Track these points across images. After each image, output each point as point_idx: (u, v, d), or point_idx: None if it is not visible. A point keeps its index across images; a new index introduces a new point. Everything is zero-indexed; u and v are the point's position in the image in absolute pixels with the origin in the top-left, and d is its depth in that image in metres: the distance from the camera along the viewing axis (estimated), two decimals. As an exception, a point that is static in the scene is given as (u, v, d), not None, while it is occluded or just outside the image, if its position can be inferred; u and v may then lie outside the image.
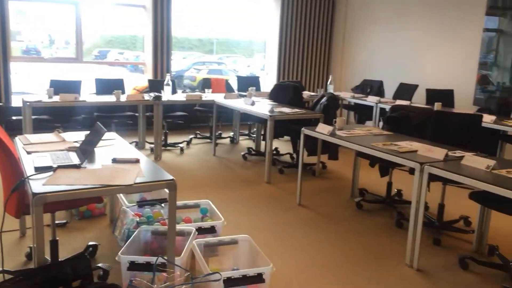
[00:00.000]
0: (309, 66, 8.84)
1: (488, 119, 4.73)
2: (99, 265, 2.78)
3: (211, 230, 3.14)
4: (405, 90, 6.69)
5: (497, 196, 2.49)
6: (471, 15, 6.47)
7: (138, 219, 3.14)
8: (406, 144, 3.48)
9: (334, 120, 4.07)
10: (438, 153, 3.14)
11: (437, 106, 5.53)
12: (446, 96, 6.27)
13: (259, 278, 2.50)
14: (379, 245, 3.40)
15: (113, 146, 3.03)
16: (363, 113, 6.88)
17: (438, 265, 3.11)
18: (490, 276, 2.98)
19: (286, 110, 5.09)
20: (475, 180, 2.61)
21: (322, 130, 3.91)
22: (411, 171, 3.10)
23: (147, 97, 5.61)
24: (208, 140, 6.96)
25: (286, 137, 6.61)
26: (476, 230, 3.38)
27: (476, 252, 3.36)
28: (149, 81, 6.69)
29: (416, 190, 2.99)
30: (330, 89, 6.89)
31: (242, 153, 6.04)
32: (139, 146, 6.27)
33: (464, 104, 6.45)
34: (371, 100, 6.31)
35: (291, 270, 2.96)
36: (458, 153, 3.22)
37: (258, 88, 7.08)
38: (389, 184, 4.29)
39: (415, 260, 3.05)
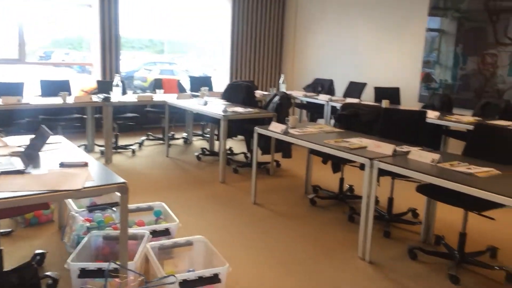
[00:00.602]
0: (262, 66, 8.90)
1: (432, 115, 4.94)
2: (48, 273, 2.66)
3: (166, 233, 3.09)
4: (355, 89, 6.87)
5: (442, 188, 2.61)
6: (414, 16, 6.74)
7: (88, 225, 3.04)
8: (357, 141, 3.57)
9: (286, 118, 4.12)
10: (386, 148, 3.24)
11: (385, 103, 5.72)
12: (393, 94, 6.50)
13: (215, 278, 2.49)
14: (333, 240, 3.48)
15: (61, 150, 2.92)
16: (315, 112, 7.00)
17: (388, 257, 3.22)
18: (437, 264, 3.12)
19: (239, 109, 5.10)
20: (422, 173, 2.72)
21: (275, 129, 3.94)
22: (362, 166, 3.19)
23: (95, 98, 5.44)
24: (161, 141, 6.85)
25: (240, 137, 6.62)
26: (423, 221, 3.52)
27: (424, 242, 3.50)
28: (98, 82, 6.49)
29: (366, 185, 3.08)
30: (283, 88, 6.96)
31: (196, 154, 5.99)
32: (89, 149, 6.08)
33: (409, 101, 6.71)
34: (322, 98, 6.43)
35: (247, 269, 2.97)
36: (405, 148, 3.34)
37: (210, 88, 7.04)
38: (341, 180, 4.39)
39: (367, 252, 3.14)
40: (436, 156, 2.96)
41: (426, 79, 6.61)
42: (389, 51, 7.16)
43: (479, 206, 2.77)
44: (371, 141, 3.48)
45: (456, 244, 3.11)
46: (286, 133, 3.83)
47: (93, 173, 2.36)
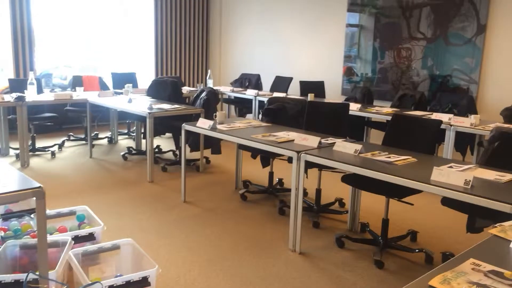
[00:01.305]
0: (188, 61, 8.77)
1: (354, 107, 5.14)
2: (-44, 291, 2.43)
3: (90, 238, 2.93)
4: (281, 83, 6.98)
5: (364, 177, 2.71)
6: (335, 12, 6.96)
7: (2, 234, 2.81)
8: (284, 134, 3.62)
9: (214, 114, 4.08)
10: (312, 141, 3.32)
11: (310, 97, 5.86)
12: (318, 87, 6.68)
13: (144, 282, 2.40)
14: (264, 234, 3.50)
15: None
16: (243, 107, 7.03)
17: (318, 247, 3.30)
18: (363, 251, 3.25)
19: (166, 106, 4.98)
20: (346, 164, 2.81)
21: (203, 125, 3.89)
22: (290, 159, 3.23)
23: (8, 98, 5.05)
24: (83, 142, 6.52)
25: (168, 134, 6.48)
26: (349, 210, 3.66)
27: (350, 230, 3.64)
28: (10, 80, 6.03)
29: (294, 178, 3.13)
30: (210, 83, 6.90)
31: (122, 153, 5.77)
32: (2, 153, 5.64)
33: (333, 94, 6.94)
34: (249, 93, 6.46)
35: (178, 269, 2.90)
36: (330, 140, 3.44)
37: (135, 85, 6.82)
38: (271, 174, 4.44)
39: (297, 244, 3.20)
40: (358, 146, 3.07)
41: (348, 72, 6.87)
42: (313, 46, 7.35)
43: (399, 193, 2.92)
44: (298, 134, 3.54)
45: (380, 230, 3.26)
46: (214, 129, 3.79)
47: (5, 178, 2.18)
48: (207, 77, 7.05)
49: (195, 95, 5.44)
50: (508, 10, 5.16)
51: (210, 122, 3.88)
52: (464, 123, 4.26)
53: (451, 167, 2.70)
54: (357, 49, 6.72)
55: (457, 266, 1.42)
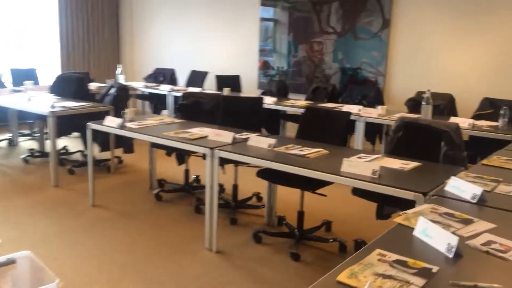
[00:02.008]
0: (98, 57, 8.29)
1: (270, 101, 5.15)
2: None
3: (-20, 254, 2.61)
4: (197, 77, 6.83)
5: (279, 171, 2.69)
6: (248, 5, 6.94)
7: None
8: (198, 131, 3.50)
9: (123, 112, 3.85)
10: (226, 136, 3.24)
11: (226, 91, 5.79)
12: (234, 82, 6.62)
13: (42, 299, 2.17)
14: (180, 234, 3.38)
15: None
16: (158, 103, 6.78)
17: (235, 244, 3.24)
18: (280, 244, 3.25)
19: (70, 104, 4.63)
20: (259, 159, 2.76)
21: (111, 124, 3.66)
22: (204, 156, 3.13)
23: None
24: (-21, 145, 5.91)
25: (77, 134, 6.07)
26: (266, 204, 3.64)
27: (268, 225, 3.62)
28: None
29: (208, 175, 3.03)
30: (121, 79, 6.57)
31: (23, 156, 5.30)
32: None
33: (250, 88, 6.93)
34: (163, 88, 6.24)
35: (86, 279, 2.69)
36: (245, 135, 3.38)
37: (36, 82, 6.29)
38: (187, 171, 4.31)
39: (214, 243, 3.11)
40: (272, 141, 3.05)
41: (264, 66, 6.89)
42: (228, 40, 7.28)
43: (312, 185, 2.94)
44: (212, 130, 3.44)
45: (296, 222, 3.28)
46: (122, 127, 3.58)
47: None
48: (118, 73, 6.70)
49: (103, 91, 5.13)
50: (409, 5, 5.46)
51: (119, 120, 3.66)
52: (373, 114, 4.42)
53: (360, 157, 2.76)
54: (273, 43, 6.76)
55: (364, 258, 1.41)
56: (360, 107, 4.64)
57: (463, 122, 3.97)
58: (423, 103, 4.11)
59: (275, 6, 6.63)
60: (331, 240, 3.26)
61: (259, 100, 4.05)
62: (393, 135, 2.99)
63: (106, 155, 5.00)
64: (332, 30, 6.12)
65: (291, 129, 5.86)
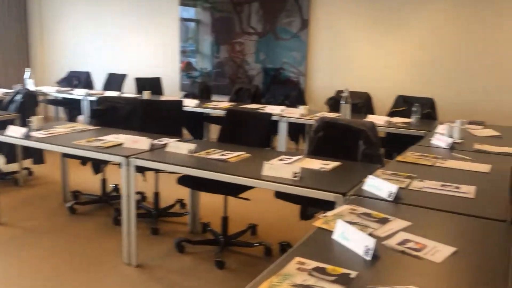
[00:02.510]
0: (3, 60, 7.63)
1: (192, 104, 5.01)
2: None
3: None
4: (114, 81, 6.51)
5: (200, 177, 2.58)
6: (166, 5, 6.73)
7: None
8: (113, 138, 3.29)
9: (28, 120, 3.53)
10: (143, 143, 3.06)
11: (146, 94, 5.56)
12: (154, 84, 6.38)
13: None
14: (96, 248, 3.15)
15: None
16: (73, 108, 6.36)
17: (157, 255, 3.08)
18: (205, 253, 3.14)
19: (-31, 112, 4.18)
20: (178, 166, 2.64)
21: (14, 133, 3.33)
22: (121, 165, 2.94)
23: None
24: None
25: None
26: (190, 211, 3.51)
27: (192, 232, 3.49)
28: None
29: (124, 184, 2.85)
30: (30, 84, 6.08)
31: None
32: None
33: (172, 90, 6.73)
34: (78, 93, 5.87)
35: (-15, 310, 2.40)
36: (163, 141, 3.23)
37: None
38: (104, 181, 4.05)
39: (133, 256, 2.93)
40: (192, 146, 2.92)
41: (187, 68, 6.72)
42: (148, 40, 7.02)
43: (235, 190, 2.86)
44: (128, 137, 3.25)
45: (221, 228, 3.18)
46: (28, 137, 3.27)
47: None
48: (26, 77, 6.20)
49: (8, 98, 4.70)
50: (326, 6, 5.58)
51: (24, 129, 3.34)
52: (295, 114, 4.44)
53: (281, 159, 2.73)
54: (195, 44, 6.61)
55: (283, 268, 1.35)
56: (283, 107, 4.65)
57: (379, 119, 4.10)
58: (342, 102, 4.19)
59: (196, 6, 6.49)
60: (256, 244, 3.21)
61: (178, 104, 3.91)
62: (314, 135, 2.99)
63: (14, 166, 4.59)
64: (253, 31, 6.10)
65: (215, 131, 5.74)
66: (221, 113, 4.88)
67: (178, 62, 6.77)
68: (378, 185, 2.11)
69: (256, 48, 6.12)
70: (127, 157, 2.82)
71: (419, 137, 3.65)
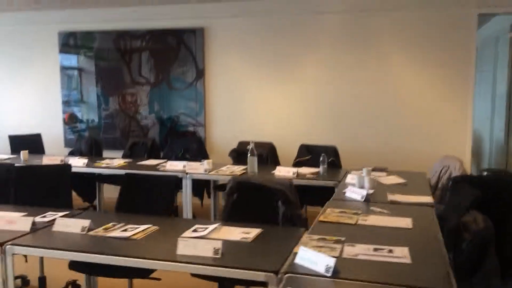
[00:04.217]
0: None
1: (80, 163, 4.45)
2: None
3: None
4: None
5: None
6: (44, 53, 6.10)
7: None
8: (-19, 217, 2.67)
9: None
10: (22, 223, 2.51)
11: (24, 155, 4.83)
12: (34, 142, 5.64)
13: None
14: None
15: None
16: None
17: None
18: None
19: None
20: (67, 251, 2.17)
21: None
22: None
23: None
24: None
25: None
26: (86, 295, 2.96)
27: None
28: None
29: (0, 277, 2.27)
30: None
31: None
32: None
33: (55, 147, 6.01)
34: None
35: None
36: (49, 216, 2.70)
37: None
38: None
39: None
40: (85, 222, 2.46)
41: (71, 120, 6.08)
42: (23, 93, 6.25)
43: (143, 271, 2.44)
44: (2, 215, 2.66)
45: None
46: None
47: None
48: None
49: None
50: (222, 54, 5.46)
51: None
52: (199, 169, 4.14)
53: (195, 230, 2.40)
54: (80, 94, 6.02)
55: None
56: (185, 162, 4.31)
57: (287, 171, 3.98)
58: (248, 154, 4.01)
59: (78, 54, 5.95)
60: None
61: (65, 168, 3.37)
62: (228, 198, 2.72)
63: None
64: (145, 80, 5.75)
65: (110, 191, 5.16)
66: (116, 172, 4.38)
67: (61, 115, 6.10)
68: (312, 257, 1.90)
69: (149, 98, 5.75)
70: (1, 244, 2.26)
71: (330, 188, 3.58)
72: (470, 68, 4.72)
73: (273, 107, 5.36)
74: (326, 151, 4.31)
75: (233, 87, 5.45)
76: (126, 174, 3.10)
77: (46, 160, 4.53)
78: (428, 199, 3.03)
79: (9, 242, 2.27)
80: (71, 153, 5.38)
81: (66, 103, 6.07)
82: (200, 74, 5.52)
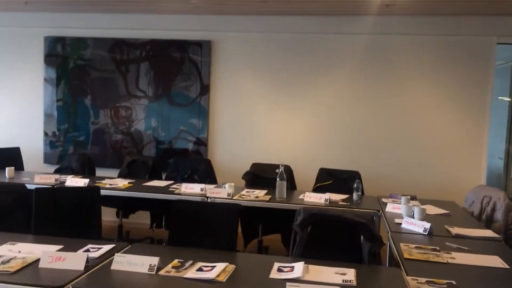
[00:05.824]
0: None
1: (81, 183, 3.97)
2: None
3: None
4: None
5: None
6: (28, 62, 5.52)
7: None
8: (7, 251, 2.23)
9: None
10: (74, 260, 2.11)
11: (9, 172, 4.27)
12: (13, 156, 5.04)
13: None
14: None
15: None
16: None
17: None
18: None
19: None
20: (156, 299, 1.81)
21: None
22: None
23: None
24: None
25: None
26: None
27: None
28: None
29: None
30: None
31: None
32: None
33: (34, 163, 5.41)
34: None
35: None
36: (93, 250, 2.31)
37: None
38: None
39: None
40: (153, 260, 2.10)
41: (53, 133, 5.51)
42: (5, 104, 5.61)
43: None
44: (37, 247, 2.23)
45: None
46: None
47: None
48: None
49: None
50: (229, 70, 5.19)
51: None
52: (221, 193, 3.81)
53: (280, 270, 2.11)
54: (65, 107, 5.48)
55: None
56: (202, 185, 3.98)
57: (318, 198, 3.77)
58: (278, 178, 3.77)
59: (65, 64, 5.43)
60: None
61: (94, 192, 2.95)
62: (301, 232, 2.46)
63: None
64: (143, 94, 5.34)
65: (107, 214, 4.67)
66: (120, 194, 3.95)
67: (42, 126, 5.52)
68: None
69: (146, 113, 5.34)
70: (59, 288, 1.86)
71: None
72: (487, 96, 4.70)
73: (284, 128, 5.12)
74: (350, 177, 4.15)
75: (241, 105, 5.17)
76: (179, 200, 2.75)
77: (38, 179, 4.02)
78: (489, 232, 2.94)
79: (69, 285, 1.88)
80: (58, 170, 4.84)
81: (48, 115, 5.51)
82: (205, 89, 5.21)
